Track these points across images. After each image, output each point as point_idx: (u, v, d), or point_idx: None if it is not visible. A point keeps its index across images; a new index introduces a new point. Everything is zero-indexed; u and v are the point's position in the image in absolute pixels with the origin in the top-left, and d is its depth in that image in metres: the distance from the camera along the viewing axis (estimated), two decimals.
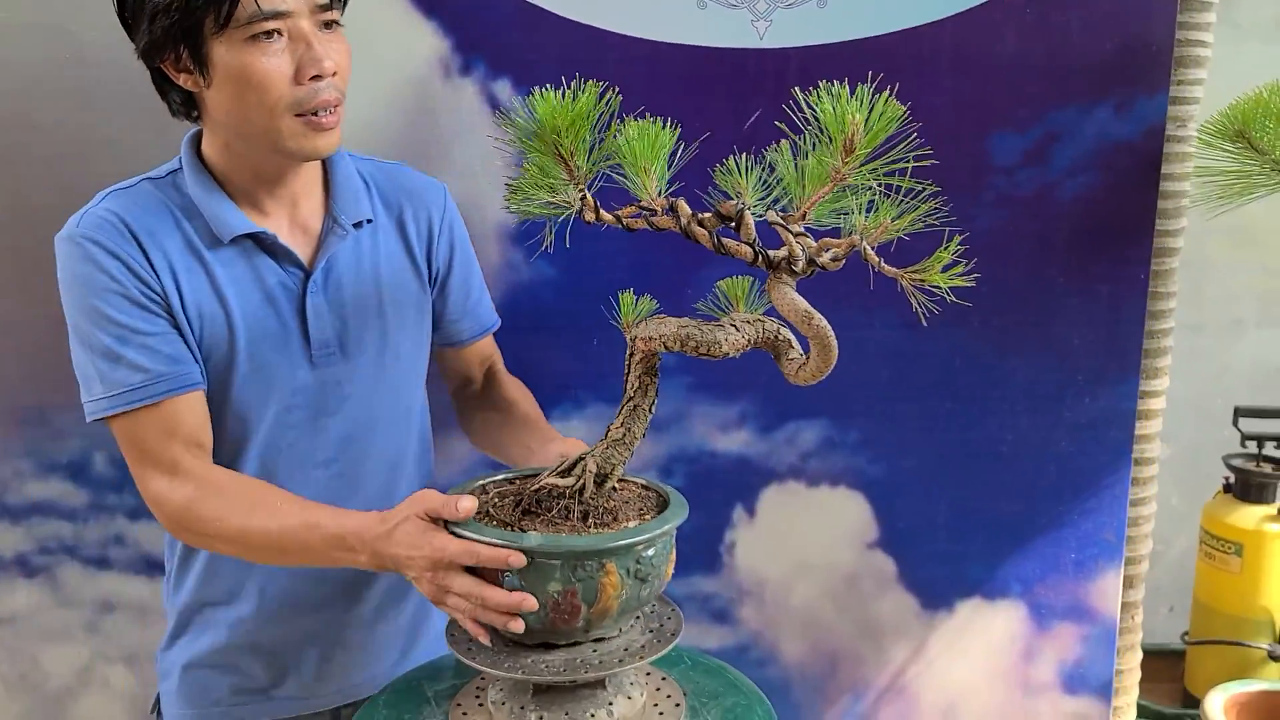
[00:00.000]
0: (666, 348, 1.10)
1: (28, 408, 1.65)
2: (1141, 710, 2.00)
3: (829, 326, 1.04)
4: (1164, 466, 1.83)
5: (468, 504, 1.08)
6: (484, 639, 1.09)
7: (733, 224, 1.05)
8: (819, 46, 1.57)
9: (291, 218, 1.29)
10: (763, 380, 1.69)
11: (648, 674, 1.25)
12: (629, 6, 1.55)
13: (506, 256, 1.62)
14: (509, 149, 1.59)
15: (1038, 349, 1.69)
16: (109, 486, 1.68)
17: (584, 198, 1.06)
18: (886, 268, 1.02)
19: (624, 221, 1.07)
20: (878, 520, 1.75)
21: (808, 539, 1.76)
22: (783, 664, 1.80)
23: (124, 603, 1.72)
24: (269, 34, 1.14)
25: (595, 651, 1.13)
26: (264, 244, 1.26)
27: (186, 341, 1.22)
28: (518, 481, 1.22)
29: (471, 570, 1.07)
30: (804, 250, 1.04)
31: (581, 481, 1.13)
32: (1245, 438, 2.37)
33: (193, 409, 1.22)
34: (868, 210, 1.01)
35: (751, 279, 1.13)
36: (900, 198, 0.99)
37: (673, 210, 1.06)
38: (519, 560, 1.05)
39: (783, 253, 1.04)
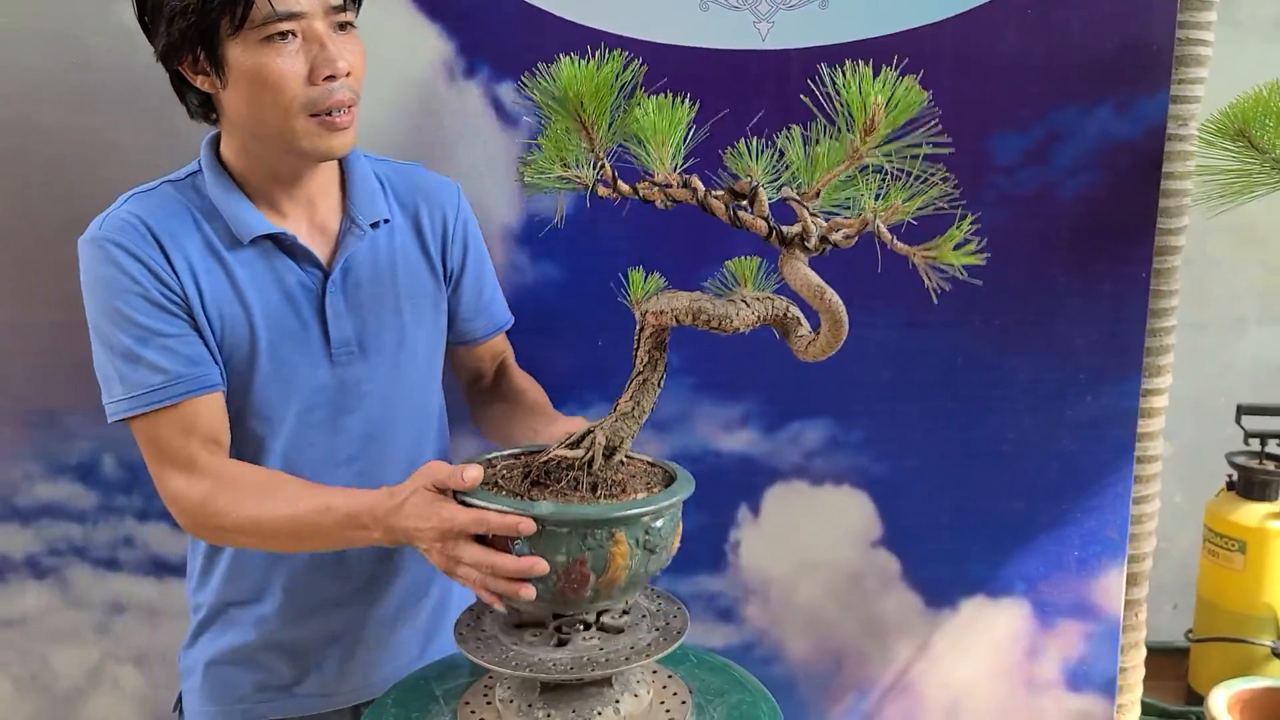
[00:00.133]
0: (678, 321, 1.11)
1: (36, 410, 1.66)
2: (1145, 708, 2.01)
3: (840, 302, 1.05)
4: (1167, 464, 1.84)
5: (473, 473, 1.08)
6: (498, 605, 1.09)
7: (746, 201, 1.06)
8: (821, 48, 1.58)
9: (309, 218, 1.30)
10: (766, 380, 1.70)
11: (654, 672, 1.25)
12: (631, 9, 1.56)
13: (511, 258, 1.62)
14: (513, 151, 1.61)
15: (1040, 348, 1.70)
16: (118, 488, 1.69)
17: (603, 167, 1.07)
18: (899, 245, 1.02)
19: (641, 193, 1.08)
20: (881, 519, 1.76)
21: (812, 538, 1.76)
22: (788, 662, 1.80)
23: (133, 604, 1.73)
24: (283, 35, 1.15)
25: (602, 650, 1.13)
26: (283, 244, 1.27)
27: (206, 343, 1.23)
28: (525, 457, 1.22)
29: (482, 540, 1.07)
30: (817, 226, 1.04)
31: (590, 454, 1.13)
32: (1248, 435, 2.37)
33: (211, 410, 1.23)
34: (878, 197, 1.02)
35: (759, 259, 1.13)
36: (912, 182, 1.00)
37: (688, 185, 1.06)
38: (529, 526, 1.04)
39: (796, 228, 1.05)
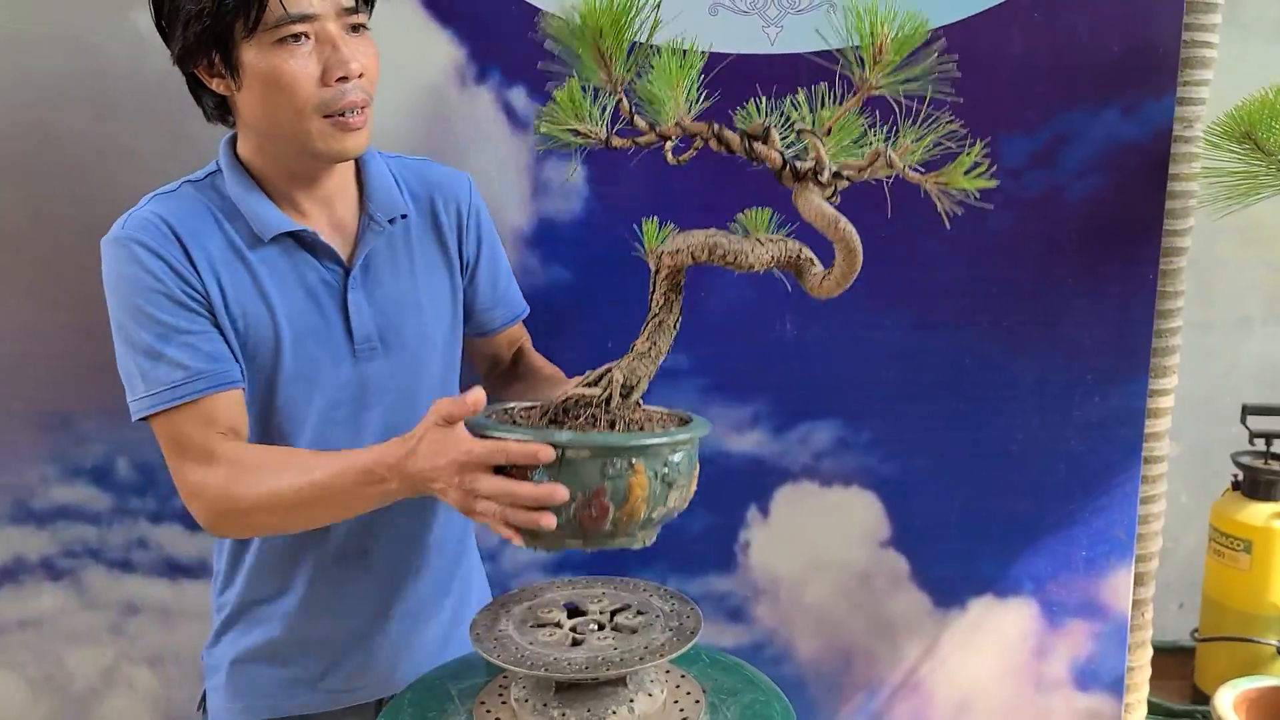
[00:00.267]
0: (694, 258, 1.11)
1: (52, 413, 1.67)
2: (1151, 707, 2.02)
3: (855, 231, 1.05)
4: (1172, 464, 1.84)
5: (476, 393, 1.07)
6: (517, 540, 1.08)
7: (759, 140, 1.08)
8: (829, 52, 1.58)
9: (328, 216, 1.31)
10: (776, 381, 1.71)
11: (667, 672, 1.26)
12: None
13: (522, 260, 1.64)
14: (523, 155, 1.63)
15: (1048, 349, 1.71)
16: (132, 491, 1.70)
17: (620, 100, 1.08)
18: (911, 173, 1.04)
19: (658, 129, 1.08)
20: (890, 519, 1.77)
21: (821, 538, 1.78)
22: (797, 662, 1.82)
23: (147, 605, 1.74)
24: (296, 37, 1.16)
25: (617, 649, 1.14)
26: (304, 242, 1.28)
27: (228, 342, 1.24)
28: (540, 406, 1.22)
29: (501, 472, 1.07)
30: (830, 160, 1.06)
31: (608, 391, 1.14)
32: (1253, 435, 2.38)
33: (230, 406, 1.23)
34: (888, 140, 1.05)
35: (770, 210, 1.15)
36: (920, 119, 1.02)
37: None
38: (548, 453, 1.04)
39: (810, 163, 1.06)
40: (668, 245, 1.13)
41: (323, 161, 1.26)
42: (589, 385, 1.15)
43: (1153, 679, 1.90)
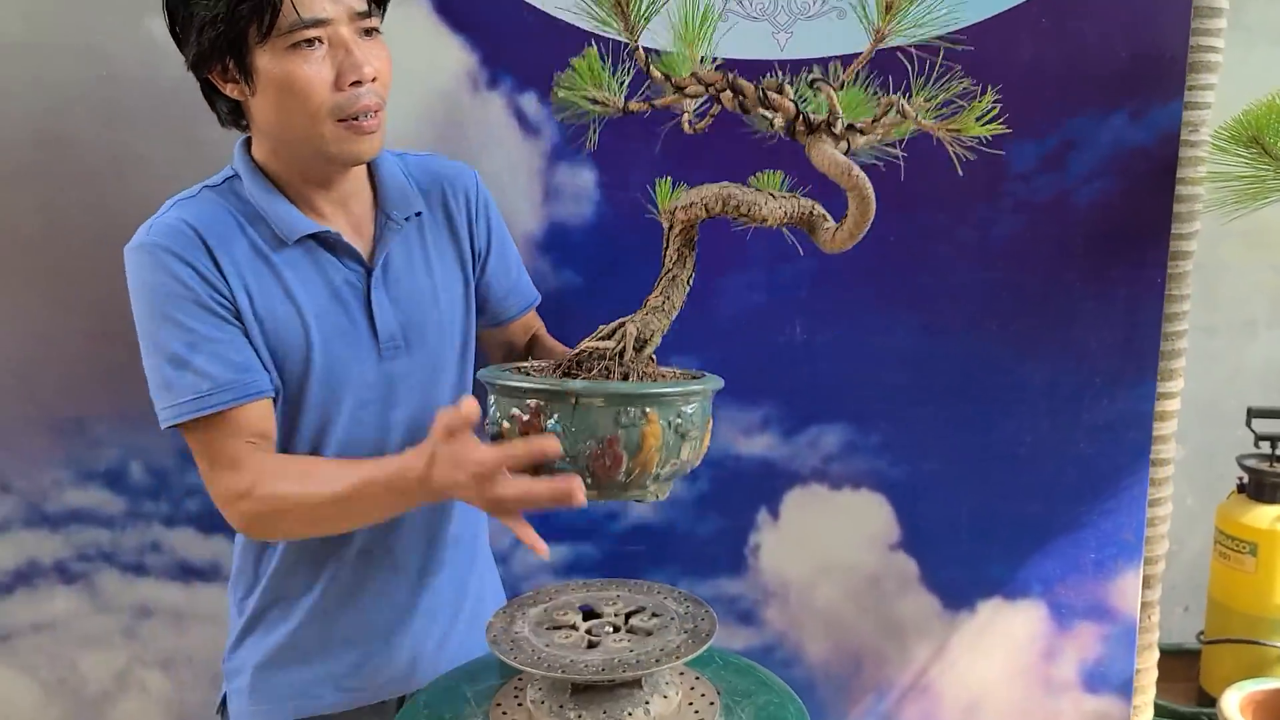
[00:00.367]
0: (708, 210, 1.11)
1: (66, 418, 1.68)
2: (1158, 709, 2.02)
3: (868, 180, 1.05)
4: (1177, 467, 1.85)
5: (469, 405, 1.07)
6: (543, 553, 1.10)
7: (773, 91, 1.08)
8: (838, 57, 1.59)
9: (346, 217, 1.32)
10: (786, 385, 1.72)
11: (681, 674, 1.27)
12: (654, 21, 1.58)
13: (534, 265, 1.64)
14: (535, 160, 1.63)
15: (1056, 352, 1.72)
16: (146, 494, 1.71)
17: (635, 50, 1.08)
18: (924, 122, 1.05)
19: (674, 81, 1.09)
20: (899, 522, 1.78)
21: (831, 541, 1.78)
22: (807, 664, 1.82)
23: (161, 608, 1.75)
24: (310, 42, 1.17)
25: (633, 651, 1.15)
26: (326, 243, 1.29)
27: (256, 349, 1.24)
28: (553, 361, 1.23)
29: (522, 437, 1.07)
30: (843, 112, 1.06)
31: (622, 345, 1.14)
32: (1259, 438, 2.38)
33: (258, 415, 1.24)
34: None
35: (782, 174, 1.15)
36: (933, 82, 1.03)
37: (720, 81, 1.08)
38: (554, 447, 1.04)
39: (823, 114, 1.06)
40: (681, 199, 1.13)
41: (337, 165, 1.27)
42: (602, 339, 1.15)
43: (1158, 681, 1.91)
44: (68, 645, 1.75)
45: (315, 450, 1.32)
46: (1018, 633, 1.81)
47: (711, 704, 1.21)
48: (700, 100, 1.12)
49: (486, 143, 1.62)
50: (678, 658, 1.14)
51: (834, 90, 1.06)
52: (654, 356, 1.18)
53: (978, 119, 1.04)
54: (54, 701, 1.77)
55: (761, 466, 1.75)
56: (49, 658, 1.76)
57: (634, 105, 1.10)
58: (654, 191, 1.16)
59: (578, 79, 1.11)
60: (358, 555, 1.37)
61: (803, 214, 1.13)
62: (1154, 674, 1.88)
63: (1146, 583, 1.82)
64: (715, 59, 1.10)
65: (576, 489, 1.05)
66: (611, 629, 1.21)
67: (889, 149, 1.11)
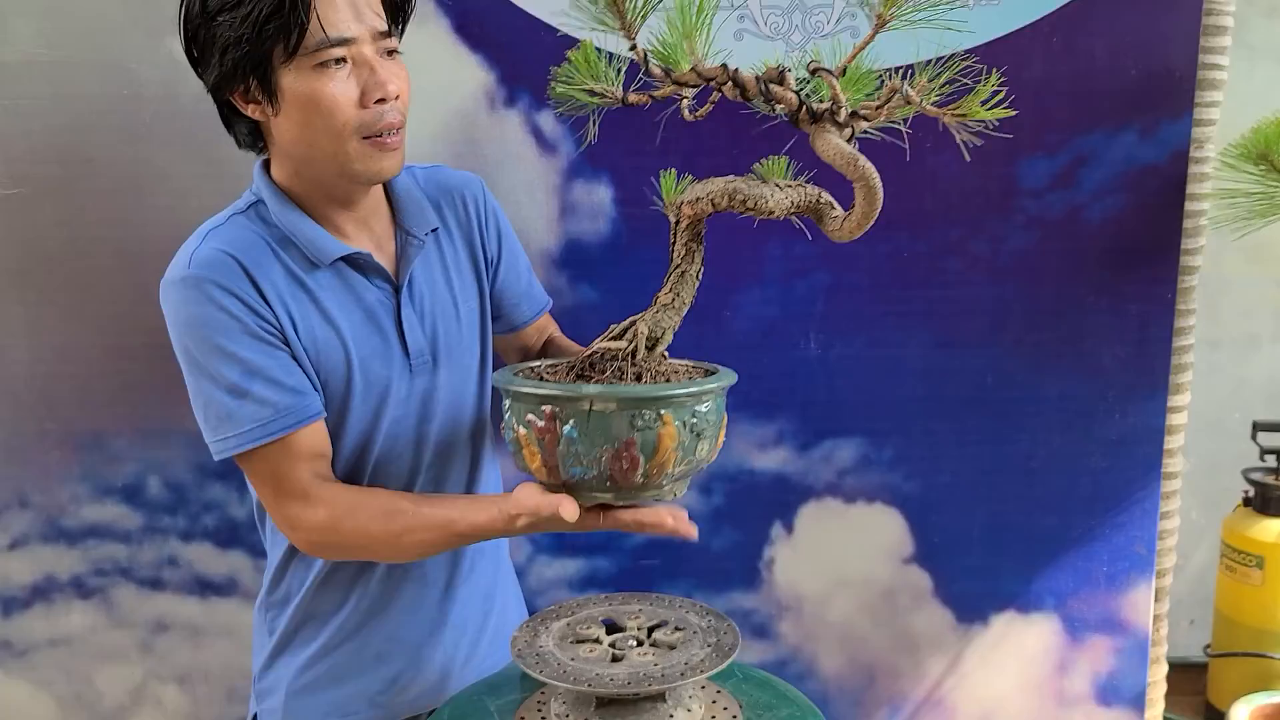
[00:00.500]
0: (714, 205, 1.11)
1: (84, 433, 1.69)
2: None
3: (874, 170, 1.05)
4: (1183, 480, 1.86)
5: (569, 510, 1.12)
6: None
7: (775, 83, 1.08)
8: None
9: (369, 236, 1.32)
10: (800, 399, 1.73)
11: (703, 687, 1.27)
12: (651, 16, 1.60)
13: (550, 281, 1.66)
14: (551, 177, 1.65)
15: (1068, 367, 1.73)
16: (163, 509, 1.72)
17: (634, 48, 1.08)
18: (929, 108, 1.04)
19: (673, 76, 1.08)
20: (913, 535, 1.79)
21: (845, 554, 1.80)
22: (821, 677, 1.83)
23: (177, 623, 1.75)
24: (337, 61, 1.18)
25: (657, 665, 1.16)
26: (357, 264, 1.29)
27: (305, 371, 1.25)
28: (565, 363, 1.23)
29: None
30: (847, 99, 1.06)
31: (634, 345, 1.14)
32: (1264, 451, 2.40)
33: (316, 436, 1.25)
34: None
35: (787, 158, 1.14)
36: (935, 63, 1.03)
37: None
38: (571, 510, 1.11)
39: (826, 103, 1.06)
40: (687, 194, 1.13)
41: (360, 182, 1.27)
42: (614, 339, 1.15)
43: (1166, 694, 1.91)
44: (84, 660, 1.76)
45: (357, 466, 1.32)
46: (1031, 646, 1.82)
47: (734, 717, 1.21)
48: (699, 88, 1.11)
49: (503, 159, 1.64)
50: (702, 671, 1.14)
51: (836, 78, 1.06)
52: (666, 353, 1.19)
53: (983, 102, 1.03)
54: (70, 716, 1.77)
55: (776, 480, 1.76)
56: (65, 672, 1.76)
57: (633, 98, 1.09)
58: (659, 184, 1.16)
59: (575, 72, 1.10)
60: (387, 571, 1.37)
61: (809, 202, 1.13)
62: (1163, 687, 1.89)
63: (1156, 595, 1.83)
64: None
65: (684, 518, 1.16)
66: (635, 643, 1.21)
67: (894, 125, 1.10)
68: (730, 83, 1.08)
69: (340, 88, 1.19)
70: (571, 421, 1.07)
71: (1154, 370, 1.73)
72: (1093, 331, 1.72)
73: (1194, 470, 2.49)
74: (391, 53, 1.24)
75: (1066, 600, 1.81)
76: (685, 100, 1.12)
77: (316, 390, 1.26)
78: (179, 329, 1.22)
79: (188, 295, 1.20)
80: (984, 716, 1.85)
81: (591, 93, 1.10)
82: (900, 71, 1.05)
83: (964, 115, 1.04)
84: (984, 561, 1.79)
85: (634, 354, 1.14)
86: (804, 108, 1.06)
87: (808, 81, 1.09)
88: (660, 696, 1.16)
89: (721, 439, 1.18)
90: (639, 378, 1.12)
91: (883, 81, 1.08)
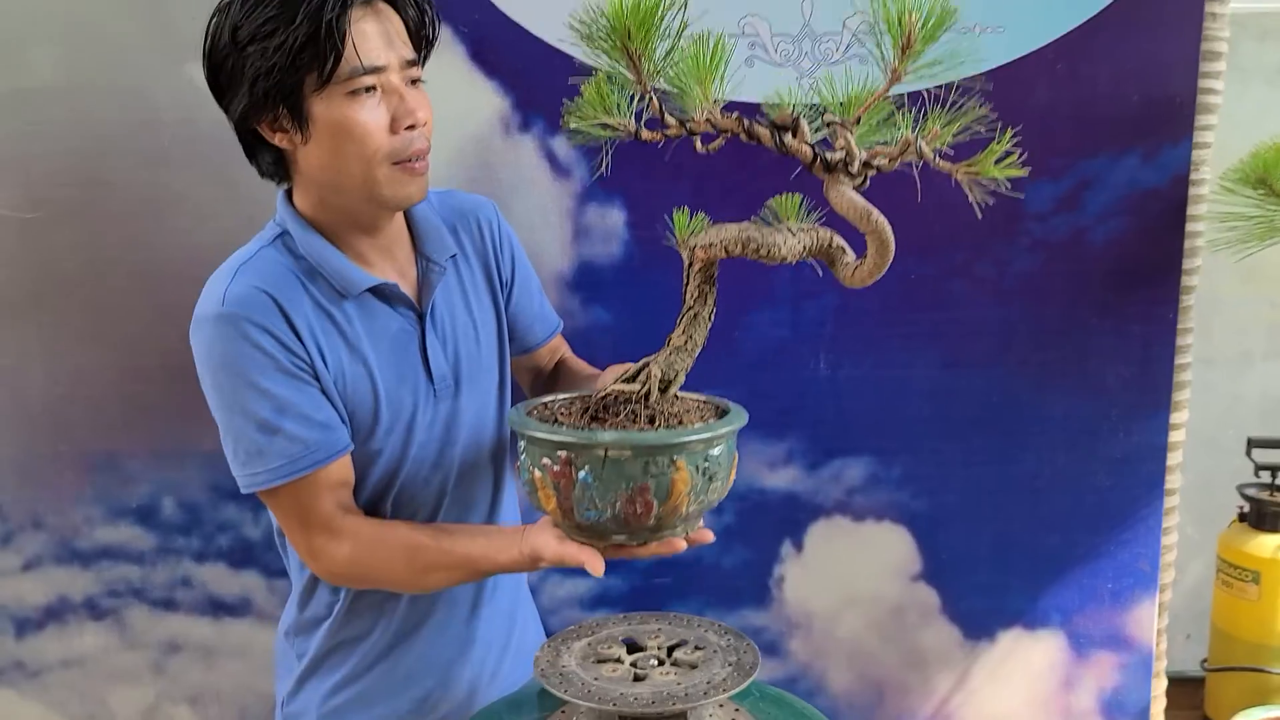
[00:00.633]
0: (727, 252, 1.12)
1: (98, 454, 1.70)
2: None
3: (887, 223, 1.07)
4: (1179, 496, 1.89)
5: (596, 568, 1.16)
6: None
7: (789, 132, 1.09)
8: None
9: (392, 264, 1.33)
10: (809, 419, 1.75)
11: (722, 705, 1.29)
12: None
13: (563, 303, 1.68)
14: (565, 201, 1.67)
15: (1073, 386, 1.76)
16: (177, 529, 1.72)
17: (650, 101, 1.09)
18: (942, 163, 1.05)
19: (688, 125, 1.09)
20: (921, 553, 1.81)
21: (854, 572, 1.82)
22: (831, 694, 1.85)
23: (190, 644, 1.76)
24: (369, 89, 1.19)
25: (680, 684, 1.17)
26: (382, 294, 1.30)
27: (334, 404, 1.26)
28: (582, 398, 1.24)
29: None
30: (860, 151, 1.07)
31: (647, 387, 1.15)
32: (1259, 468, 2.42)
33: (343, 470, 1.26)
34: (915, 129, 1.06)
35: (800, 196, 1.15)
36: (949, 105, 1.03)
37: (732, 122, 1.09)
38: (596, 566, 1.14)
39: (840, 154, 1.07)
40: (700, 239, 1.14)
41: (388, 208, 1.29)
42: (627, 381, 1.16)
43: (1164, 709, 1.94)
44: (97, 681, 1.76)
45: (383, 493, 1.33)
46: (1037, 662, 1.85)
47: None
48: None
49: (518, 184, 1.66)
50: (724, 690, 1.15)
51: (850, 132, 1.08)
52: (679, 394, 1.20)
53: (996, 161, 1.04)
54: None
55: (786, 499, 1.78)
56: (78, 694, 1.76)
57: (646, 134, 1.10)
58: (671, 221, 1.17)
59: (588, 107, 1.11)
60: (414, 593, 1.38)
61: (822, 246, 1.14)
62: (1163, 702, 1.91)
63: (1158, 610, 1.85)
64: (737, 104, 1.10)
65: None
66: (656, 662, 1.23)
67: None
68: (745, 134, 1.09)
69: (371, 115, 1.20)
70: (587, 467, 1.09)
71: (1156, 389, 1.76)
72: (1096, 352, 1.75)
73: (1188, 486, 2.51)
74: (415, 81, 1.26)
75: (1072, 617, 1.83)
76: (697, 137, 1.14)
77: (344, 423, 1.27)
78: (211, 365, 1.22)
79: (222, 332, 1.20)
80: None
81: (605, 126, 1.11)
82: (909, 99, 1.06)
83: (977, 172, 1.05)
84: (991, 579, 1.81)
85: (647, 396, 1.15)
86: (818, 159, 1.08)
87: (820, 119, 1.10)
88: (682, 715, 1.17)
89: (732, 477, 1.20)
90: (652, 420, 1.13)
91: (893, 113, 1.09)
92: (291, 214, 1.29)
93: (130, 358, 1.66)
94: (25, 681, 1.75)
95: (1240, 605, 2.36)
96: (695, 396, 1.24)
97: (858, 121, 1.08)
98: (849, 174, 1.08)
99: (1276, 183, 1.62)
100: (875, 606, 1.83)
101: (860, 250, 1.12)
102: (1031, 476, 1.79)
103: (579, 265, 1.69)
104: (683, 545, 1.18)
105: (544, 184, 1.67)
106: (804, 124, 1.09)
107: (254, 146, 1.28)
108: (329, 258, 1.27)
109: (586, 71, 1.62)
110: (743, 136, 1.10)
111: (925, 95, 1.04)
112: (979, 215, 1.06)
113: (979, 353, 1.74)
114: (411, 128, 1.23)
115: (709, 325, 1.18)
